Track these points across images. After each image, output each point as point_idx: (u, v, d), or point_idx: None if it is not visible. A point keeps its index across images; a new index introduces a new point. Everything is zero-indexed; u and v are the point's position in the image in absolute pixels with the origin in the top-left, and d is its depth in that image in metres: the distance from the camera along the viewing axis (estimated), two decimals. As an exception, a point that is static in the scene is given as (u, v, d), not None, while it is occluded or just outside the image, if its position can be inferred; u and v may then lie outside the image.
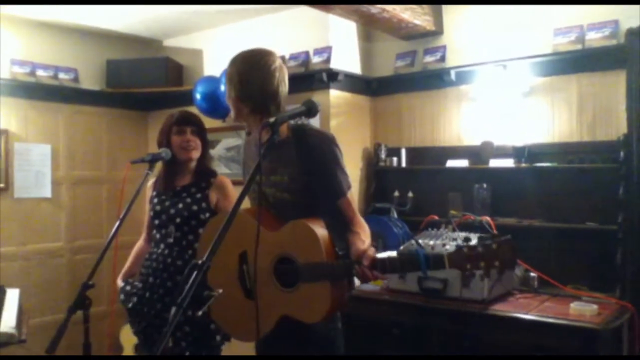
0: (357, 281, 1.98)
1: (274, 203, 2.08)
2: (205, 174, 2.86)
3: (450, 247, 3.05)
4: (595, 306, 2.69)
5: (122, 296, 2.80)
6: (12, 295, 3.28)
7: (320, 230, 1.90)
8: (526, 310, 2.77)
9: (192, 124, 2.84)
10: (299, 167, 2.02)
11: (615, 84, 3.15)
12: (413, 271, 1.79)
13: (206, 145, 2.90)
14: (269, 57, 2.06)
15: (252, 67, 2.04)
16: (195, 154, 2.82)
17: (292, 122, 2.07)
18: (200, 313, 1.47)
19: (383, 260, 1.83)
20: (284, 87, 2.09)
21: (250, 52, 2.09)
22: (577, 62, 3.30)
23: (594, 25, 3.23)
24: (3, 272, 4.20)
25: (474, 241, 1.73)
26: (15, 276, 4.27)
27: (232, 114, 2.15)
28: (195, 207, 2.75)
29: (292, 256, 1.92)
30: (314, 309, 1.88)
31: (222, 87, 3.90)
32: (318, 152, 2.01)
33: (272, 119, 1.70)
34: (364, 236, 1.96)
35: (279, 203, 2.06)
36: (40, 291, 4.45)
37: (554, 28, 3.36)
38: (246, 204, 1.85)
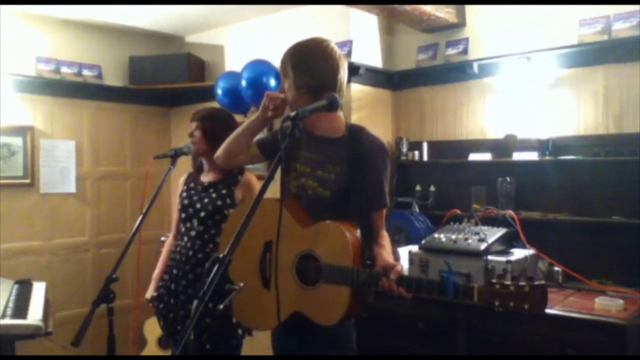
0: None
1: (311, 197, 2.04)
2: (232, 171, 2.88)
3: (473, 241, 3.02)
4: (621, 301, 2.64)
5: (155, 303, 2.86)
6: (39, 289, 3.34)
7: (352, 236, 1.88)
8: (550, 305, 2.71)
9: (195, 120, 2.88)
10: (347, 168, 2.01)
11: (642, 74, 3.09)
12: (439, 296, 1.75)
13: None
14: (329, 44, 2.02)
15: (315, 54, 1.99)
16: (195, 148, 2.83)
17: (349, 121, 2.06)
18: (221, 307, 1.48)
19: (410, 278, 1.81)
20: (344, 76, 2.03)
21: (311, 40, 2.04)
22: (603, 53, 3.23)
23: (620, 15, 3.15)
24: (30, 266, 4.29)
25: (506, 275, 1.69)
26: (42, 270, 4.35)
27: (289, 105, 2.06)
28: (219, 202, 2.79)
29: (317, 255, 1.91)
30: (329, 312, 1.87)
31: (243, 83, 3.91)
32: (369, 158, 2.01)
33: (292, 113, 1.69)
34: (389, 249, 1.99)
35: (317, 198, 2.03)
36: (66, 285, 4.53)
37: (579, 19, 3.29)
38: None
